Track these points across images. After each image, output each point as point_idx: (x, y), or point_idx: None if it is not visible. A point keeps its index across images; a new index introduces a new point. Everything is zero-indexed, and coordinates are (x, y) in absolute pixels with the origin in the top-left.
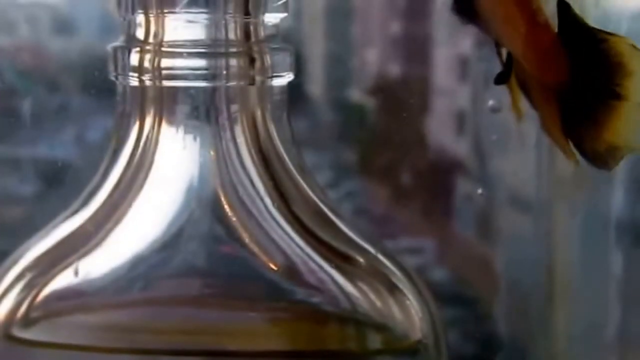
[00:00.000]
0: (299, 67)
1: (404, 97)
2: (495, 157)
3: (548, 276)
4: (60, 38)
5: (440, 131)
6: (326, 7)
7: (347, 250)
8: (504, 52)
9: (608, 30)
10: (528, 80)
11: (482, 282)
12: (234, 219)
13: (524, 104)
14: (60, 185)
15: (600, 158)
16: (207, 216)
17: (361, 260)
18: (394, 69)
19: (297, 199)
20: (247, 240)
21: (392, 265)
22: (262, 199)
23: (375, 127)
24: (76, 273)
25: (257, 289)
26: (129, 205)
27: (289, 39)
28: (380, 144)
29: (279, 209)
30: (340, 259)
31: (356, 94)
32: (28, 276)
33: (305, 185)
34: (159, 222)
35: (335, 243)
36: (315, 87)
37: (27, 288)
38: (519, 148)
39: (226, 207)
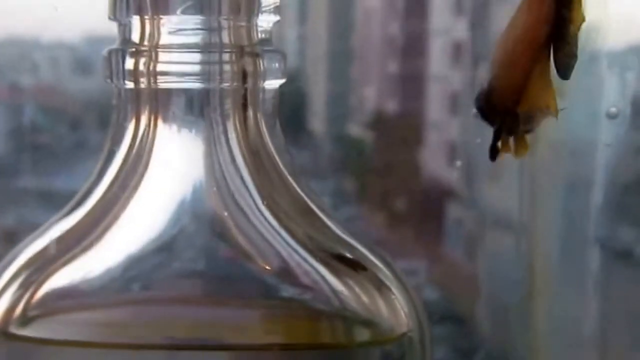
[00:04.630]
0: (302, 105)
1: (399, 131)
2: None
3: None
4: (79, 77)
5: (433, 162)
6: (328, 49)
7: (336, 248)
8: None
9: None
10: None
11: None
12: (228, 218)
13: None
14: None
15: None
16: (202, 216)
17: (350, 257)
18: (391, 106)
19: (287, 197)
20: (241, 241)
21: (379, 262)
22: (252, 196)
23: (372, 159)
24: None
25: (251, 287)
26: (125, 204)
27: (293, 79)
28: (377, 174)
29: (269, 207)
30: (330, 257)
31: (355, 129)
32: (24, 275)
33: (295, 186)
34: (155, 221)
35: (325, 241)
36: (318, 122)
37: (24, 286)
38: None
39: (219, 206)
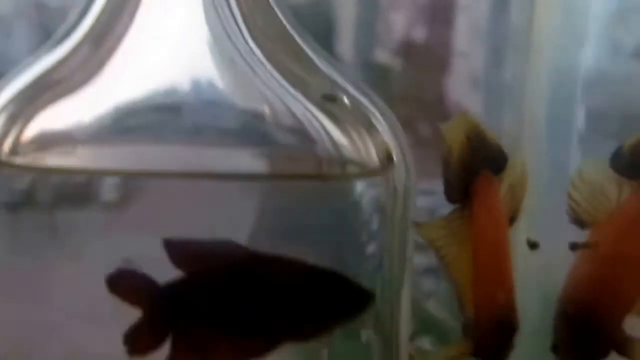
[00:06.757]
0: (329, 28)
1: (426, 59)
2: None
3: None
4: None
5: (457, 89)
6: None
7: (332, 90)
8: None
9: None
10: None
11: None
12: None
13: None
14: None
15: None
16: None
17: (345, 100)
18: (418, 33)
19: (278, 37)
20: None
21: (369, 103)
22: (241, 31)
23: (399, 85)
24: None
25: (242, 131)
26: (118, 40)
27: (320, 3)
28: (403, 101)
29: (255, 39)
30: (326, 100)
31: (383, 56)
32: (11, 108)
33: (287, 24)
34: (148, 68)
35: (319, 84)
36: (345, 48)
37: (11, 119)
38: None
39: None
